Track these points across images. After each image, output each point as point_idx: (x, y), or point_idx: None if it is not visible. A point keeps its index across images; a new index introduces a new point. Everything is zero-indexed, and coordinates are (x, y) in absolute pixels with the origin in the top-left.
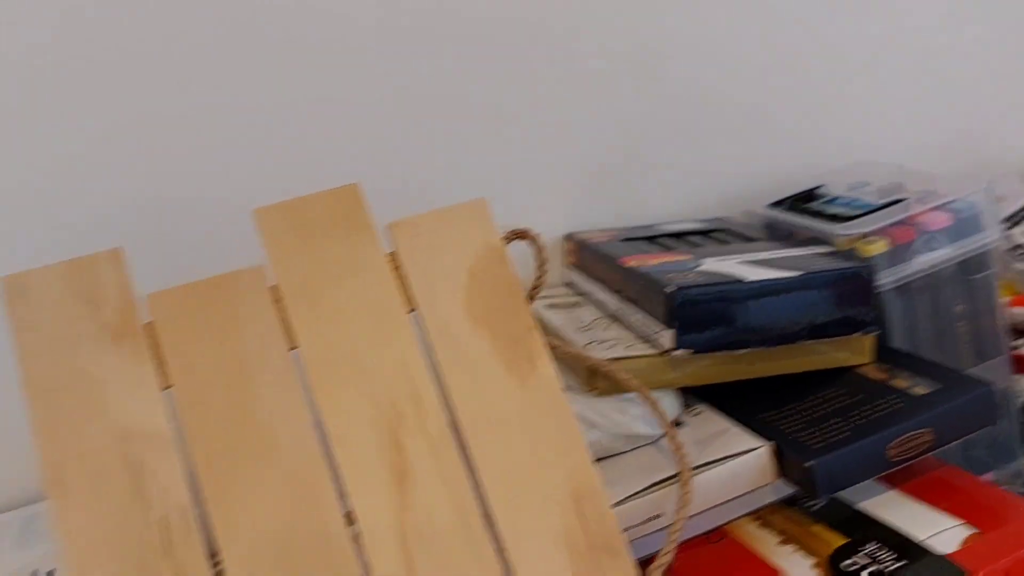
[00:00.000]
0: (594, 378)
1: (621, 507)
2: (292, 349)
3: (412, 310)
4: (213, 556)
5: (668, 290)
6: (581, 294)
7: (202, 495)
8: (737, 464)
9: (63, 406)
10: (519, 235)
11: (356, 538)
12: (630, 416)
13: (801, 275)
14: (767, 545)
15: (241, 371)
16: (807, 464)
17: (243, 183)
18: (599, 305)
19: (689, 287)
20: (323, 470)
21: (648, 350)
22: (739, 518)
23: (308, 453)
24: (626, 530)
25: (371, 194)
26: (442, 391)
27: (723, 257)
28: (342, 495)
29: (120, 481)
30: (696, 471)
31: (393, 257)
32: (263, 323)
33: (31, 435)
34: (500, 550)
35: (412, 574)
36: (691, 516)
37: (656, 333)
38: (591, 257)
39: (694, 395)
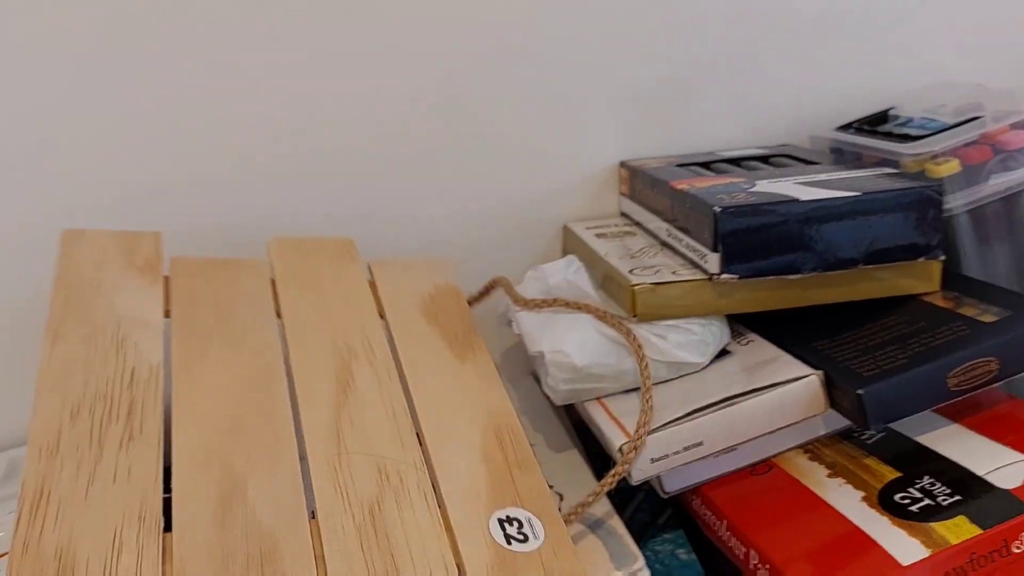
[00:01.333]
0: (634, 304)
1: (659, 433)
2: (278, 316)
3: (382, 316)
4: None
5: (714, 211)
6: (635, 223)
7: (172, 369)
8: (785, 392)
9: (79, 296)
10: (491, 287)
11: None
12: (671, 343)
13: (861, 195)
14: (814, 477)
15: (230, 310)
16: (857, 392)
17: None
18: (651, 234)
19: (737, 207)
20: (280, 369)
21: (695, 275)
22: (788, 450)
23: (270, 354)
24: (665, 457)
25: (421, 120)
26: (393, 351)
27: (779, 179)
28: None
29: (107, 339)
30: (741, 398)
31: (372, 283)
32: (257, 292)
33: (49, 303)
34: (424, 449)
35: (341, 447)
36: (736, 445)
37: (703, 258)
38: (643, 183)
39: (745, 324)
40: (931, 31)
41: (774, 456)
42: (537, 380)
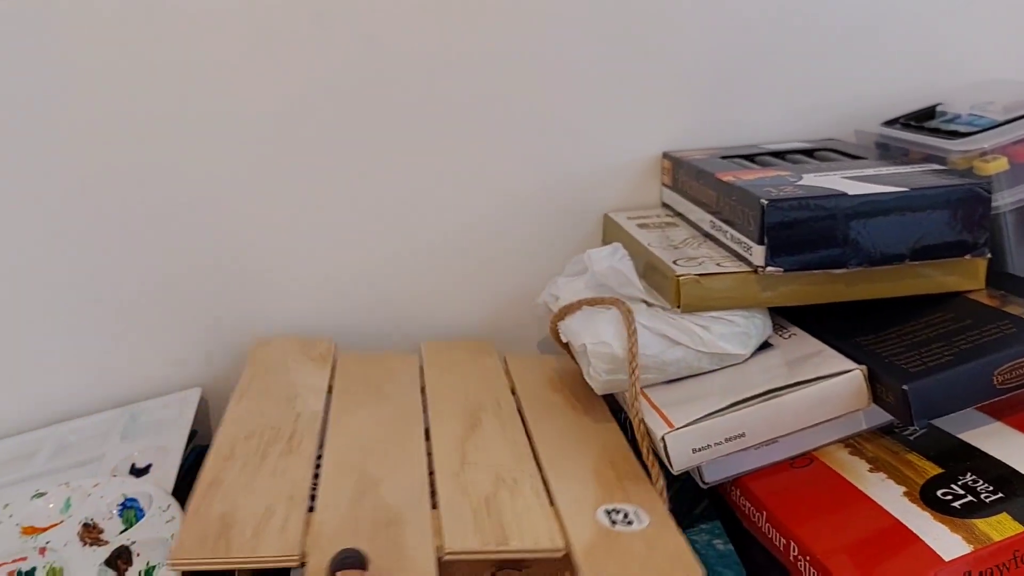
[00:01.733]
0: (678, 295)
1: (701, 424)
2: (422, 392)
3: (513, 392)
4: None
5: (761, 203)
6: (677, 215)
7: (329, 416)
8: (828, 386)
9: (264, 372)
10: None
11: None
12: (715, 334)
13: (910, 191)
14: (855, 471)
15: (382, 383)
16: (903, 387)
17: None
18: (694, 226)
19: (784, 200)
20: (419, 417)
21: (740, 267)
22: (829, 444)
23: (411, 409)
24: (706, 448)
25: (463, 103)
26: (519, 410)
27: (825, 173)
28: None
29: (282, 397)
30: (784, 391)
31: (507, 370)
32: (406, 373)
33: (241, 377)
34: (539, 466)
35: (464, 466)
36: (778, 437)
37: (748, 250)
38: (687, 174)
39: (788, 318)
40: (979, 27)
41: (815, 449)
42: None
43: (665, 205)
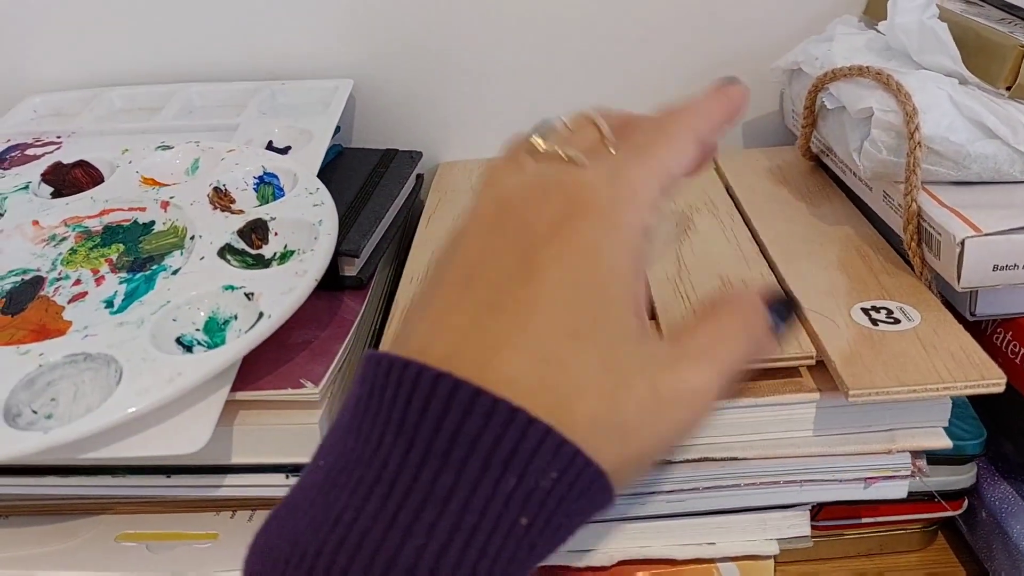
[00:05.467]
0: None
1: (1016, 236)
2: None
3: (728, 191)
4: None
5: None
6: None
7: None
8: None
9: (449, 195)
10: None
11: None
12: None
13: None
14: None
15: None
16: None
17: None
18: (1007, 9)
19: None
20: None
21: None
22: None
23: None
24: (1012, 268)
25: None
26: (738, 207)
27: None
28: None
29: None
30: None
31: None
32: None
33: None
34: (772, 266)
35: (681, 271)
36: None
37: None
38: None
39: None
40: None
41: None
42: (820, 162)
43: None
